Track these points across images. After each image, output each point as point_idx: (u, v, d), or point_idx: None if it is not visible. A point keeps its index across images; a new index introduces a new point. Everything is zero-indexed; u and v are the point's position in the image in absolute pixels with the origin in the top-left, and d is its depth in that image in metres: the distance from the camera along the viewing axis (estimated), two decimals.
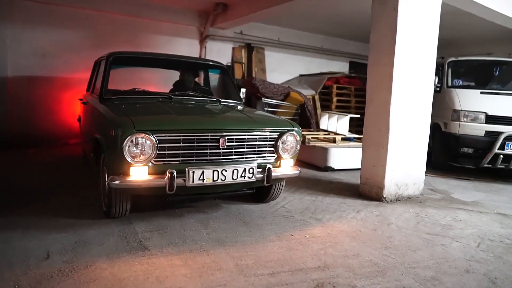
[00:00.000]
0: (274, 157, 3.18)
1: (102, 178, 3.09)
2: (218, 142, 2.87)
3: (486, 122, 5.31)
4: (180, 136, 2.74)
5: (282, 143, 3.17)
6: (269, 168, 3.01)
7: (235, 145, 2.96)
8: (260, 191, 3.55)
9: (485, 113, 5.34)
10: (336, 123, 7.03)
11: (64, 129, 6.54)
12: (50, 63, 6.32)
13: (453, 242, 2.87)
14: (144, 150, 2.61)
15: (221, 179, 2.82)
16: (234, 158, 2.97)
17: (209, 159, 2.87)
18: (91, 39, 6.58)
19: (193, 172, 2.72)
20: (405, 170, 4.10)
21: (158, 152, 2.66)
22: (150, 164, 2.67)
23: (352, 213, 3.50)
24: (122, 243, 2.56)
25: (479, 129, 5.32)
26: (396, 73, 3.91)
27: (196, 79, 4.50)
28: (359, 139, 6.14)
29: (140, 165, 2.63)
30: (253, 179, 2.95)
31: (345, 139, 6.17)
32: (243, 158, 3.01)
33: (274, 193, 3.58)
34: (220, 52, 7.95)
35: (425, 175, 4.37)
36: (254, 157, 3.07)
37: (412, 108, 4.09)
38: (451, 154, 5.56)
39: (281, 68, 9.01)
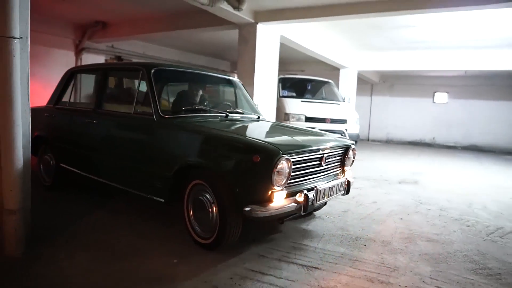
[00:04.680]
0: (340, 170, 3.33)
1: (191, 209, 2.86)
2: (321, 160, 2.93)
3: (306, 121, 7.84)
4: (303, 157, 2.75)
5: (347, 157, 3.33)
6: (349, 180, 3.21)
7: (327, 161, 3.05)
8: None
9: (305, 115, 7.93)
10: None
11: None
12: None
13: None
14: (286, 174, 2.54)
15: (331, 194, 2.93)
16: (326, 174, 3.07)
17: (315, 177, 2.91)
18: None
19: (321, 190, 2.78)
20: None
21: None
22: (285, 187, 2.60)
23: None
24: None
25: (302, 126, 7.88)
26: (256, 90, 5.96)
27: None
28: None
29: (279, 189, 2.55)
30: (343, 191, 3.15)
31: None
32: (330, 173, 3.14)
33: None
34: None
35: None
36: (334, 172, 3.20)
37: (265, 113, 6.21)
38: None
39: None
